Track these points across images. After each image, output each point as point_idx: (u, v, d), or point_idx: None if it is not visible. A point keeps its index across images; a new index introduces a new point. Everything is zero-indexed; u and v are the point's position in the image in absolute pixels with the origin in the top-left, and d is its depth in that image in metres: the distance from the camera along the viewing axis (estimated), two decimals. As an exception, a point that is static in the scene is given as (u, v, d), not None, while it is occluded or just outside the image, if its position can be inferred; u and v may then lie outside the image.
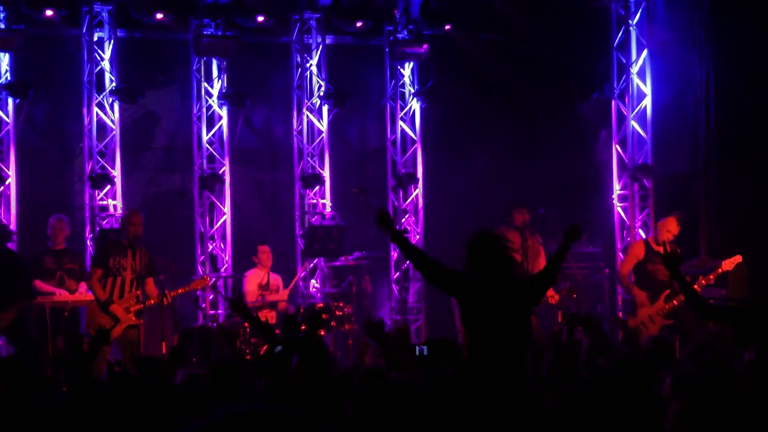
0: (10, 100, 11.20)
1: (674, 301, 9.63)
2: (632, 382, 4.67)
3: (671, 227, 9.87)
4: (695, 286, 8.75)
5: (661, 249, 9.56)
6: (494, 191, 12.56)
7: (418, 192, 12.75)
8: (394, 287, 12.66)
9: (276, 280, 11.25)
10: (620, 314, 11.76)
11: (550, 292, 9.86)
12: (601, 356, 5.67)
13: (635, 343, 8.81)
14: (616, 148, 12.61)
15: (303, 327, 6.22)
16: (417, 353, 5.58)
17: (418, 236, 12.63)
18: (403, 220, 12.63)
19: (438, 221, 12.72)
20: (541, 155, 12.88)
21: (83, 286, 9.83)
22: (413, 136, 12.79)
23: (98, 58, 11.47)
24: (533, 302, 5.46)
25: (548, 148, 12.90)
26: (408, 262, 12.11)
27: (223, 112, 12.13)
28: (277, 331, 9.35)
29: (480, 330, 5.29)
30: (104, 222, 11.39)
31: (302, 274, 12.28)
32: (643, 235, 11.94)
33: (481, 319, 5.28)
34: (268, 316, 10.88)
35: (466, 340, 5.59)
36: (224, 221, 12.16)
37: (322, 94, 12.26)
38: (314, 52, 12.24)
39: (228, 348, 8.34)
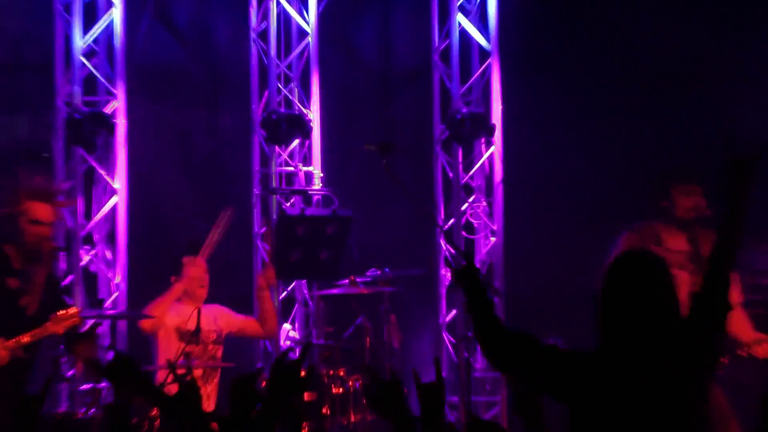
0: None
1: None
2: None
3: None
4: None
5: None
6: (635, 149, 12.90)
7: (493, 150, 13.03)
8: (446, 338, 12.94)
9: (215, 321, 11.44)
10: None
11: (752, 335, 10.02)
12: None
13: None
14: None
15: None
16: None
17: (493, 238, 13.07)
18: (463, 207, 13.02)
19: (530, 210, 13.08)
20: (723, 84, 13.05)
21: None
22: (484, 44, 13.08)
23: None
24: (700, 362, 5.77)
25: (733, 74, 13.07)
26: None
27: (115, -4, 12.47)
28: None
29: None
30: None
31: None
32: None
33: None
34: (202, 392, 10.63)
35: None
36: (114, 206, 12.37)
37: (305, -37, 12.82)
38: None
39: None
